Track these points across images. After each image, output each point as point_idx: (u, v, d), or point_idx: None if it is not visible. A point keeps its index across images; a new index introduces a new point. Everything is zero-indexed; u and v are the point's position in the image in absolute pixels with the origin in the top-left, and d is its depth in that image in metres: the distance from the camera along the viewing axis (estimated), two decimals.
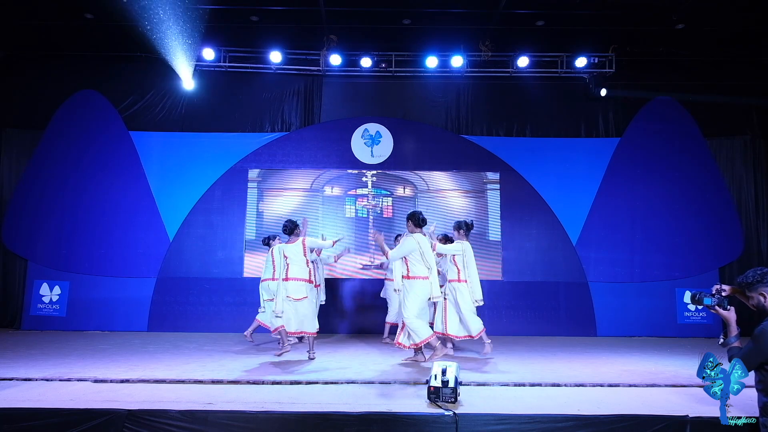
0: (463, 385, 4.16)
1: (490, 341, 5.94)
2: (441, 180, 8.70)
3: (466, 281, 5.92)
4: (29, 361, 5.32)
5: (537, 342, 7.25)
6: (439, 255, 6.06)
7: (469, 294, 5.89)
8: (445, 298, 5.97)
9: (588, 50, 8.34)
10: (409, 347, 5.52)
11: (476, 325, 5.86)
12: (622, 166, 8.61)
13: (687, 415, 3.41)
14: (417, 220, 5.60)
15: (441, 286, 6.16)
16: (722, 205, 8.46)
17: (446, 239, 6.47)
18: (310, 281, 5.85)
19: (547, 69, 8.57)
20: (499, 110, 8.92)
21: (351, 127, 8.72)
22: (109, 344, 6.62)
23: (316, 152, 8.66)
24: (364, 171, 8.68)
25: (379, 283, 7.66)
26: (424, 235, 5.70)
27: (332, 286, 8.35)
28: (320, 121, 8.86)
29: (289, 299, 5.64)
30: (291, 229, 5.88)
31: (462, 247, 5.95)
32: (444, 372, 3.74)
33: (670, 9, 7.36)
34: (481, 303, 5.95)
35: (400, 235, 7.28)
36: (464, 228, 6.08)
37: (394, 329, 7.43)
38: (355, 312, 8.30)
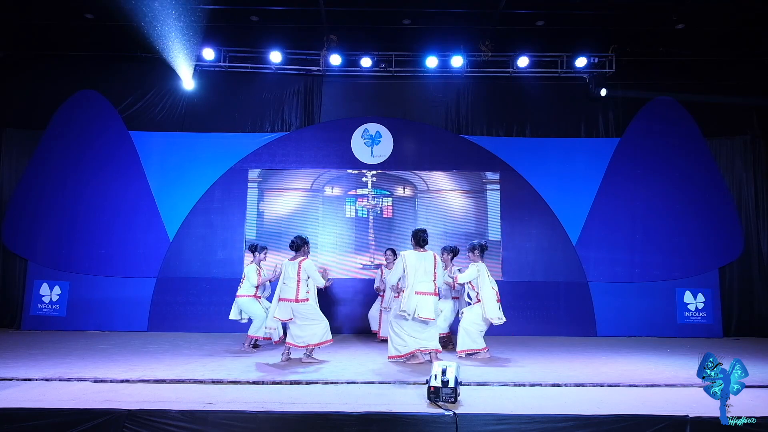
0: (463, 385, 4.17)
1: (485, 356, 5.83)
2: (441, 180, 8.69)
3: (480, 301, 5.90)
4: (29, 361, 5.32)
5: (537, 342, 7.24)
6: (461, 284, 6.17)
7: (478, 312, 5.86)
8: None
9: (588, 50, 8.34)
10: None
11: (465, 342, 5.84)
12: (622, 166, 8.61)
13: (687, 415, 3.41)
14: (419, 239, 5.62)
15: (460, 313, 6.31)
16: (722, 205, 8.46)
17: (453, 252, 6.61)
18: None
19: (547, 69, 8.56)
20: (499, 110, 8.92)
21: (351, 127, 8.72)
22: (109, 344, 6.63)
23: (316, 152, 8.66)
24: (364, 171, 8.68)
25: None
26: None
27: (332, 286, 8.35)
28: (320, 121, 8.86)
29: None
30: (298, 245, 5.66)
31: (478, 270, 5.92)
32: (444, 372, 3.74)
33: (670, 9, 7.37)
34: (499, 321, 5.83)
35: (390, 249, 7.37)
36: (479, 249, 6.10)
37: None
38: (354, 312, 8.29)
